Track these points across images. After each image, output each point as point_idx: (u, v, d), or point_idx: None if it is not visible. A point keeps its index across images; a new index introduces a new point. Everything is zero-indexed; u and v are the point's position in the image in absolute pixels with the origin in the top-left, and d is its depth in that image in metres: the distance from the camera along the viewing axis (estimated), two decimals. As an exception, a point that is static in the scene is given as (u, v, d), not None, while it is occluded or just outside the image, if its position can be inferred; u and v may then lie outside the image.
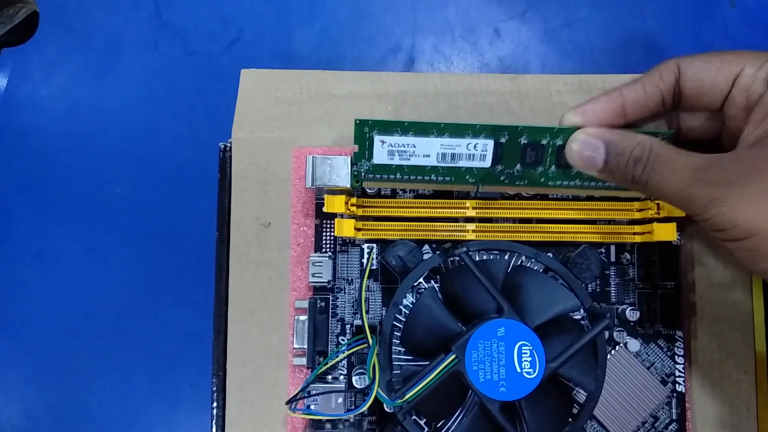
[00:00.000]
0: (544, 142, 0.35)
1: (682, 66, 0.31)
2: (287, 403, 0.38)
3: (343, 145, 0.44)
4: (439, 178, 0.38)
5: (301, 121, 0.45)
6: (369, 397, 0.35)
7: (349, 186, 0.38)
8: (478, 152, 0.36)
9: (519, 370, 0.34)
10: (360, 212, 0.40)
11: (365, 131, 0.36)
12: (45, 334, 0.63)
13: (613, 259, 0.42)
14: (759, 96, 0.29)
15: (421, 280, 0.40)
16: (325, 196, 0.39)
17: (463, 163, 0.37)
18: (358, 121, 0.36)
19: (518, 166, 0.37)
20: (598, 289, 0.42)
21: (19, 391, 0.63)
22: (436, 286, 0.40)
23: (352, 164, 0.38)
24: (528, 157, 0.36)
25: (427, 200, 0.40)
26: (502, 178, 0.37)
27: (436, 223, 0.40)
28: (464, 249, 0.37)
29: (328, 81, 0.46)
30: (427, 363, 0.35)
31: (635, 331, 0.41)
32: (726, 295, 0.43)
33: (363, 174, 0.38)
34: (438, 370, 0.35)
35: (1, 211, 0.65)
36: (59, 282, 0.64)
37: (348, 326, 0.41)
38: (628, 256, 0.42)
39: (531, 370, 0.34)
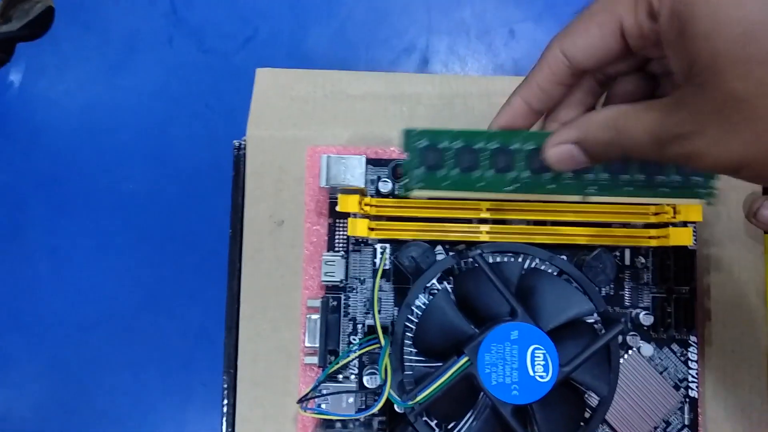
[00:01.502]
0: None
1: (566, 50, 0.30)
2: (299, 402, 0.38)
3: (357, 145, 0.44)
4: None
5: (316, 121, 0.45)
6: (381, 397, 0.35)
7: (362, 186, 0.38)
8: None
9: (532, 374, 0.34)
10: (373, 212, 0.40)
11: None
12: (57, 329, 0.64)
13: (627, 262, 0.42)
14: (655, 33, 0.27)
15: (434, 281, 0.40)
16: (339, 196, 0.39)
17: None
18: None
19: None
20: (612, 293, 0.42)
21: (31, 387, 0.63)
22: (449, 287, 0.40)
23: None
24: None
25: (440, 201, 0.40)
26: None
27: (449, 224, 0.40)
28: (478, 251, 0.37)
29: (342, 81, 0.46)
30: (440, 365, 0.35)
31: (649, 335, 0.41)
32: (740, 301, 0.42)
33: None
34: (450, 372, 0.34)
35: (16, 207, 0.65)
36: (72, 278, 0.64)
37: (360, 326, 0.41)
38: (643, 260, 0.42)
39: (544, 373, 0.34)
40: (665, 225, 0.39)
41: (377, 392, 0.38)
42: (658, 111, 0.27)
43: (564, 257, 0.39)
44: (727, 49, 0.23)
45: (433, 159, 0.36)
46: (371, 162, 0.42)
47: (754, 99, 0.23)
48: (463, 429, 0.37)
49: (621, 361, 0.40)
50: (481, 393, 0.35)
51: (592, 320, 0.40)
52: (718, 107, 0.24)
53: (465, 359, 0.34)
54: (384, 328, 0.39)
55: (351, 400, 0.40)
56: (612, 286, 0.42)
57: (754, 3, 0.23)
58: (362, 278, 0.42)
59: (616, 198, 0.38)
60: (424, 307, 0.38)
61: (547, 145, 0.32)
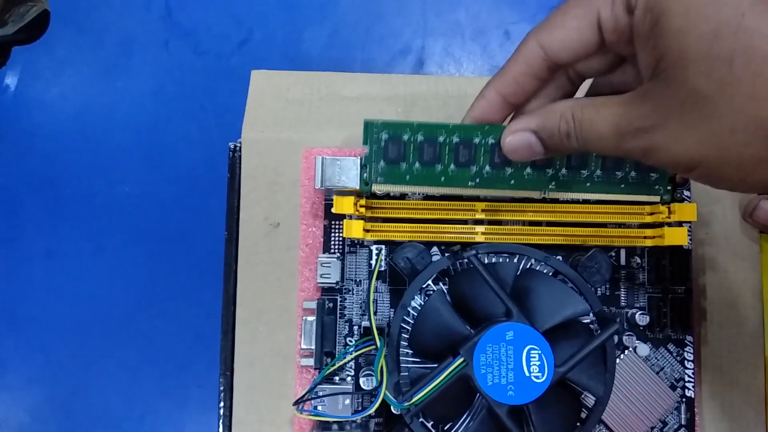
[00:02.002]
0: None
1: (543, 43, 0.29)
2: (295, 403, 0.38)
3: (353, 147, 0.44)
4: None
5: (311, 122, 0.45)
6: (377, 399, 0.35)
7: (358, 187, 0.38)
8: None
9: (527, 374, 0.34)
10: (369, 213, 0.40)
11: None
12: (53, 332, 0.63)
13: (623, 262, 0.42)
14: (629, 27, 0.27)
15: (429, 282, 0.40)
16: (334, 197, 0.39)
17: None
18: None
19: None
20: (607, 293, 0.42)
21: (27, 389, 0.63)
22: (444, 288, 0.40)
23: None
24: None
25: (436, 202, 0.40)
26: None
27: (445, 225, 0.40)
28: (473, 252, 0.37)
29: (338, 82, 0.46)
30: (435, 366, 0.35)
31: (645, 335, 0.41)
32: (736, 301, 0.42)
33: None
34: (446, 373, 0.34)
35: (11, 210, 0.65)
36: (68, 281, 0.64)
37: (356, 327, 0.41)
38: (639, 260, 0.42)
39: (540, 374, 0.34)
40: (660, 225, 0.39)
41: (373, 394, 0.38)
42: (620, 104, 0.27)
43: (559, 258, 0.39)
44: (696, 46, 0.23)
45: (394, 152, 0.36)
46: (366, 163, 0.41)
47: (715, 97, 0.23)
48: (460, 430, 0.37)
49: (617, 361, 0.40)
50: (477, 394, 0.35)
51: (587, 320, 0.40)
52: (681, 102, 0.24)
53: (461, 360, 0.34)
54: (380, 330, 0.39)
55: (347, 401, 0.40)
56: (607, 286, 0.42)
57: (727, 3, 0.23)
58: (358, 280, 0.42)
59: (588, 195, 0.39)
60: (419, 308, 0.38)
61: (505, 132, 0.32)
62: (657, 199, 0.39)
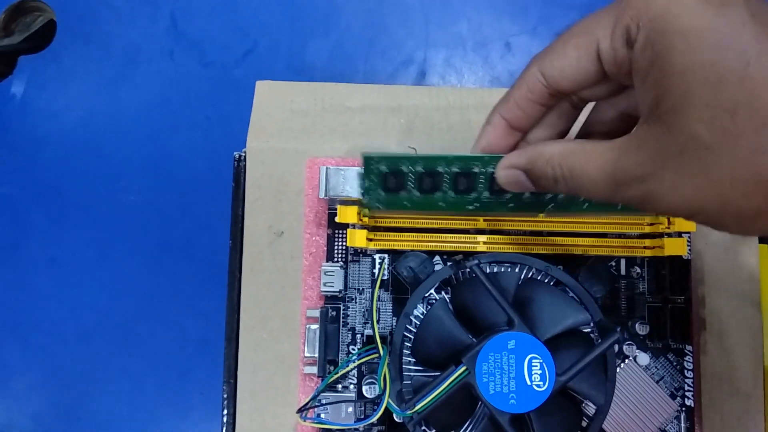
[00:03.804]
0: None
1: (545, 71, 0.29)
2: (298, 411, 0.38)
3: (356, 157, 0.44)
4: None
5: (315, 133, 0.45)
6: (380, 407, 0.36)
7: (361, 197, 0.38)
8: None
9: (529, 383, 0.34)
10: (372, 223, 0.40)
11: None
12: (56, 339, 0.64)
13: (623, 272, 0.42)
14: (628, 61, 0.26)
15: (432, 291, 0.40)
16: (338, 207, 0.39)
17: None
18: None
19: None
20: (608, 303, 0.42)
21: (30, 396, 0.63)
22: (447, 297, 0.40)
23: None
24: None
25: (438, 212, 0.41)
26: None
27: (447, 235, 0.40)
28: (475, 261, 0.37)
29: (342, 93, 0.46)
30: (438, 374, 0.35)
31: (645, 344, 0.42)
32: (735, 310, 0.43)
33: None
34: (448, 381, 0.35)
35: (16, 217, 0.66)
36: (72, 288, 0.64)
37: (359, 336, 0.42)
38: (639, 270, 0.42)
39: (541, 382, 0.34)
40: (660, 235, 0.40)
41: (376, 402, 0.39)
42: (613, 151, 0.26)
43: (560, 267, 0.39)
44: (698, 93, 0.22)
45: (393, 183, 0.36)
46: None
47: (716, 147, 0.22)
48: (462, 438, 0.37)
49: (618, 370, 0.40)
50: (479, 402, 0.35)
51: (588, 330, 0.40)
52: (680, 150, 0.23)
53: (463, 368, 0.35)
54: (383, 338, 0.39)
55: (350, 409, 0.41)
56: (608, 295, 0.42)
57: (732, 49, 0.22)
58: (361, 288, 0.42)
59: (586, 218, 0.39)
60: (422, 317, 0.39)
61: (499, 165, 0.32)
62: (654, 218, 0.40)
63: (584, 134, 0.32)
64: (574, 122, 0.32)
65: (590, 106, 0.32)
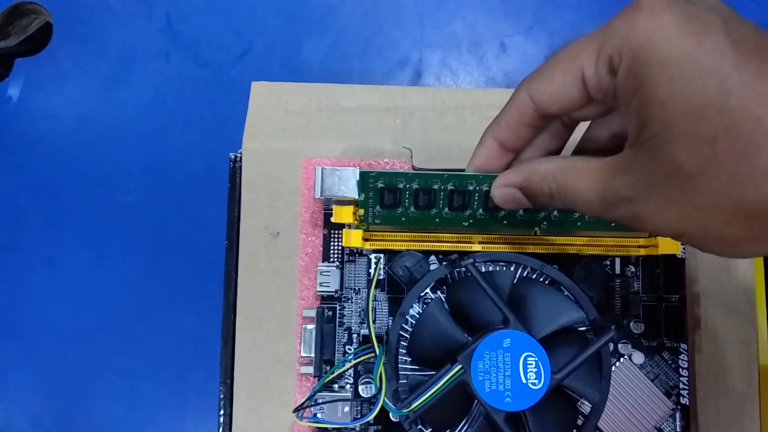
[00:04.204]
0: None
1: (533, 95, 0.29)
2: (294, 411, 0.38)
3: (352, 157, 0.44)
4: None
5: (311, 133, 0.46)
6: (376, 406, 0.36)
7: (357, 197, 0.39)
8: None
9: (524, 381, 0.34)
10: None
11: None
12: (53, 340, 0.64)
13: (618, 271, 0.42)
14: (613, 88, 0.26)
15: (427, 290, 0.41)
16: (334, 207, 0.39)
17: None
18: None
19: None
20: (603, 302, 0.42)
21: (26, 397, 0.63)
22: (442, 296, 0.40)
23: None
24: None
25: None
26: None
27: (442, 235, 0.40)
28: (471, 260, 0.37)
29: (337, 94, 0.47)
30: (434, 373, 0.36)
31: (640, 343, 0.42)
32: (730, 309, 0.43)
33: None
34: (444, 380, 0.35)
35: (13, 219, 0.66)
36: (69, 289, 0.64)
37: (355, 335, 0.42)
38: (633, 269, 0.42)
39: (536, 381, 0.34)
40: (654, 234, 0.40)
41: (372, 401, 0.39)
42: (602, 171, 0.27)
43: (555, 266, 0.39)
44: (680, 122, 0.23)
45: (390, 199, 0.37)
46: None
47: (697, 175, 0.23)
48: (458, 437, 0.37)
49: (613, 368, 0.40)
50: (475, 400, 0.35)
51: (583, 328, 0.40)
52: (664, 177, 0.24)
53: (459, 367, 0.35)
54: (378, 338, 0.40)
55: (346, 409, 0.41)
56: (602, 294, 0.42)
57: (712, 80, 0.22)
58: (357, 288, 0.42)
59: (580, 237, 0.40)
60: (418, 316, 0.39)
61: (494, 184, 0.33)
62: (646, 236, 0.40)
63: (579, 150, 0.32)
64: (566, 141, 0.33)
65: (584, 124, 0.33)
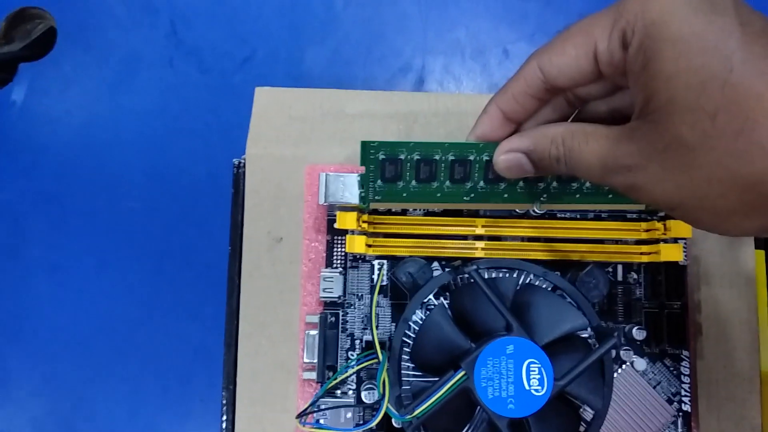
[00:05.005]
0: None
1: (543, 66, 0.30)
2: (297, 417, 0.38)
3: (355, 163, 0.44)
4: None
5: (314, 139, 0.46)
6: (379, 412, 0.36)
7: (360, 203, 0.39)
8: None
9: (527, 388, 0.34)
10: (371, 229, 0.41)
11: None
12: (56, 346, 0.64)
13: (620, 278, 0.42)
14: (623, 63, 0.27)
15: (430, 296, 0.41)
16: (337, 213, 0.39)
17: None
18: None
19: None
20: (605, 308, 0.42)
21: (29, 403, 0.63)
22: (445, 303, 0.40)
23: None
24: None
25: (437, 218, 0.41)
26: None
27: (445, 241, 0.40)
28: (474, 267, 0.37)
29: (340, 100, 0.47)
30: (437, 379, 0.36)
31: (642, 350, 0.42)
32: (732, 316, 0.43)
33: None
34: (447, 386, 0.35)
35: (17, 224, 0.66)
36: (72, 295, 0.64)
37: (358, 341, 0.42)
38: (635, 276, 0.42)
39: (539, 387, 0.34)
40: (656, 241, 0.40)
41: (375, 407, 0.39)
42: (608, 139, 0.27)
43: (558, 273, 0.40)
44: (683, 96, 0.24)
45: (391, 171, 0.37)
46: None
47: (696, 148, 0.24)
48: (460, 443, 0.37)
49: (615, 375, 0.40)
50: (478, 407, 0.35)
51: (585, 335, 0.40)
52: (664, 148, 0.25)
53: (462, 373, 0.35)
54: (382, 344, 0.40)
55: (349, 415, 0.41)
56: (605, 301, 0.42)
57: (718, 56, 0.23)
58: (360, 294, 0.42)
59: (579, 206, 0.40)
60: (421, 322, 0.39)
61: (497, 151, 0.33)
62: (642, 207, 0.41)
63: (578, 120, 0.33)
64: (568, 119, 0.33)
65: None
